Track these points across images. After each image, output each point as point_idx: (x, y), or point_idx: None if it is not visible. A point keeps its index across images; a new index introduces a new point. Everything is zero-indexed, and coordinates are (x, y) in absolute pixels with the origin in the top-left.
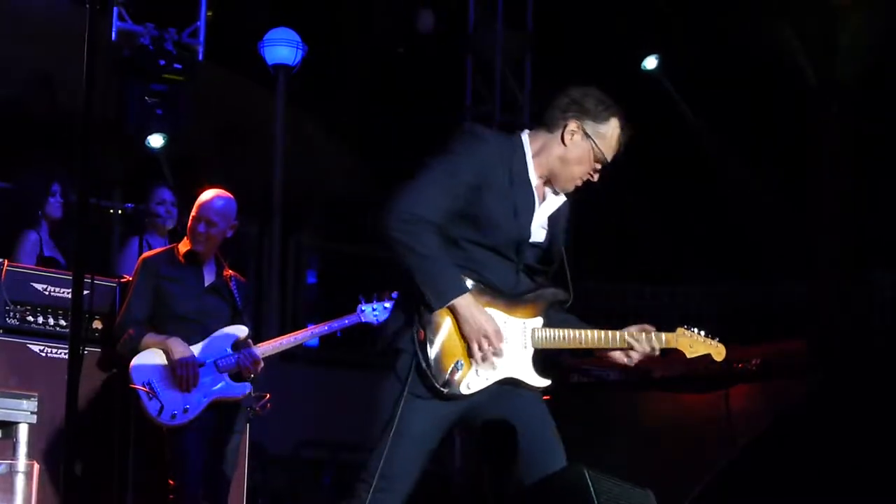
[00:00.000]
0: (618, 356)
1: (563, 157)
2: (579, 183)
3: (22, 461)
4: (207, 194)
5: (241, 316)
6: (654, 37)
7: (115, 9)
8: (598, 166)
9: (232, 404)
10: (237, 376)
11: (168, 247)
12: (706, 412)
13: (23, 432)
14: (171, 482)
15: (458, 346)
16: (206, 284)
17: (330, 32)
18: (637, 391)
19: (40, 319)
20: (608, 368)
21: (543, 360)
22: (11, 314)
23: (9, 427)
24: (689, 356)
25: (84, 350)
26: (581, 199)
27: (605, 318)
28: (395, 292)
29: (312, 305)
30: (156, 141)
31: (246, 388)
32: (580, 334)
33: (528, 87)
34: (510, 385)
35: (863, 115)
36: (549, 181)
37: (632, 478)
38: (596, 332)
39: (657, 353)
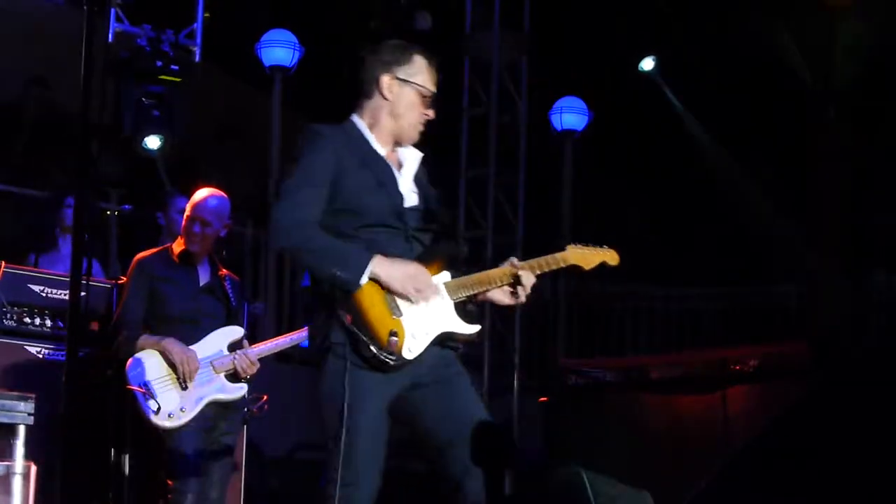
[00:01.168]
0: (504, 298)
1: (394, 112)
2: (421, 127)
3: (19, 463)
4: (201, 194)
5: (237, 316)
6: (651, 38)
7: (112, 10)
8: (430, 105)
9: (228, 405)
10: (233, 377)
11: (162, 247)
12: (703, 413)
13: (20, 434)
14: (168, 483)
15: (386, 316)
16: (200, 284)
17: (327, 34)
18: (634, 392)
19: (37, 321)
20: (603, 370)
21: (464, 312)
22: (8, 316)
23: (6, 429)
24: (587, 268)
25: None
26: (582, 203)
27: (605, 319)
28: None
29: (308, 306)
30: (153, 142)
31: (242, 389)
32: (480, 276)
33: (524, 88)
34: (443, 366)
35: (860, 117)
36: (396, 145)
37: (629, 479)
38: (490, 271)
39: (533, 280)
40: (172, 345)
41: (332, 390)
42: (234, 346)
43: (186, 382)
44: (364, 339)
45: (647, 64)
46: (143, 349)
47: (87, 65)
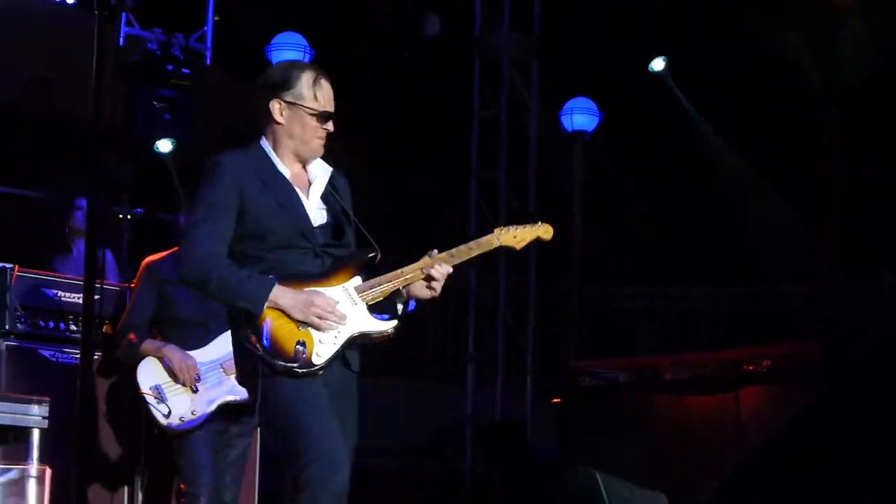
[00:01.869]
0: (422, 291)
1: (290, 134)
2: (320, 142)
3: (34, 466)
4: None
5: None
6: (661, 39)
7: (122, 14)
8: (326, 120)
9: (239, 406)
10: None
11: (172, 250)
12: (716, 414)
13: (34, 437)
14: (181, 486)
15: (291, 330)
16: None
17: (336, 37)
18: (646, 393)
19: (51, 324)
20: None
21: (382, 310)
22: (22, 319)
23: (20, 432)
24: (519, 248)
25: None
26: (593, 203)
27: (617, 320)
28: None
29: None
30: (164, 146)
31: None
32: (391, 274)
33: (535, 89)
34: (346, 386)
35: (863, 117)
36: (303, 163)
37: (643, 480)
38: (401, 268)
39: (449, 271)
40: (172, 352)
41: (268, 409)
42: None
43: (196, 386)
44: (268, 356)
45: (658, 64)
46: (146, 354)
47: (98, 70)
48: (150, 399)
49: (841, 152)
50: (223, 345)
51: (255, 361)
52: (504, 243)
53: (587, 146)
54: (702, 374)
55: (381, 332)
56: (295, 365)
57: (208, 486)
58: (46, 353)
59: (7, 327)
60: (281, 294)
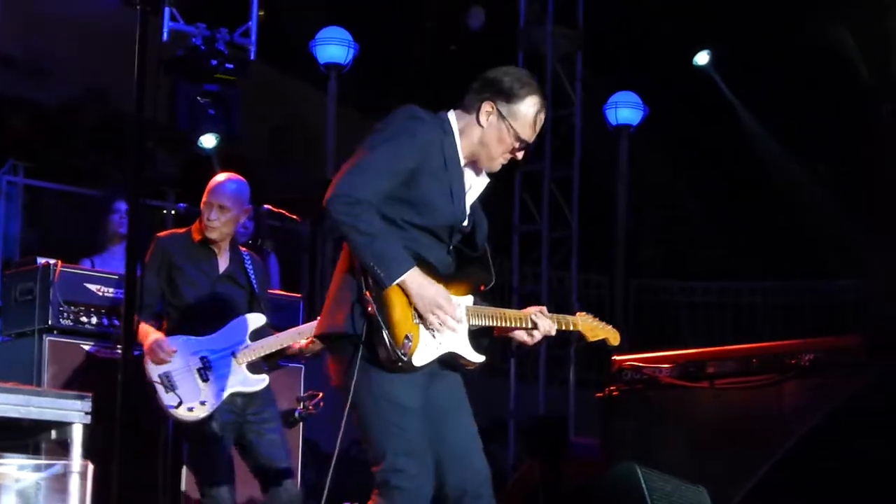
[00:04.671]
0: (522, 335)
1: (482, 139)
2: (503, 161)
3: (76, 461)
4: (219, 178)
5: (259, 302)
6: (705, 32)
7: (166, 9)
8: (522, 149)
9: (254, 396)
10: (255, 367)
11: (185, 229)
12: (759, 408)
13: (77, 432)
14: (200, 482)
15: (408, 319)
16: (220, 272)
17: (381, 31)
18: (690, 388)
19: (94, 320)
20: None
21: (476, 340)
22: (65, 314)
23: (63, 427)
24: (590, 339)
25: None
26: (635, 199)
27: (661, 313)
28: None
29: None
30: (208, 141)
31: (264, 381)
32: (502, 312)
33: (579, 83)
34: (441, 366)
35: None
36: (472, 162)
37: (684, 474)
38: (512, 311)
39: (553, 333)
40: (146, 336)
41: (357, 395)
42: (256, 335)
43: (207, 374)
44: (382, 332)
45: (702, 58)
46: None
47: (140, 64)
48: (159, 387)
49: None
50: (234, 332)
51: (357, 346)
52: (581, 329)
53: (632, 140)
54: (745, 368)
55: (471, 362)
56: (402, 356)
57: (228, 489)
58: (89, 348)
59: (50, 322)
60: (413, 278)
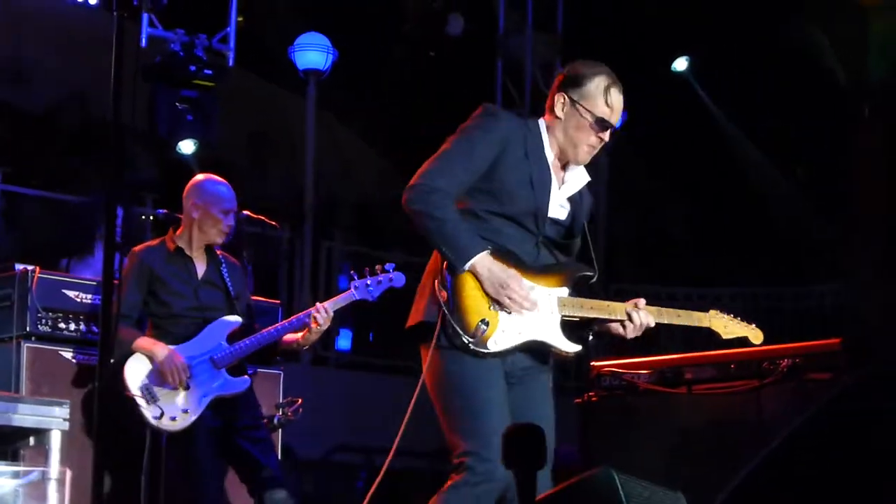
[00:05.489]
0: (618, 328)
1: (564, 130)
2: (592, 150)
3: (55, 468)
4: (215, 184)
5: (236, 305)
6: (684, 39)
7: (144, 15)
8: (603, 129)
9: (235, 400)
10: (236, 370)
11: (158, 240)
12: (737, 413)
13: (55, 439)
14: (188, 488)
15: (482, 305)
16: (199, 277)
17: (360, 37)
18: (668, 393)
19: (72, 326)
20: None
21: (572, 330)
22: (43, 321)
23: (41, 434)
24: (724, 336)
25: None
26: (614, 205)
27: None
28: (389, 264)
29: (344, 309)
30: (187, 147)
31: (246, 383)
32: (597, 304)
33: None
34: (535, 374)
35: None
36: (566, 163)
37: (663, 480)
38: (610, 303)
39: (652, 325)
40: (161, 352)
41: (438, 380)
42: (233, 337)
43: (187, 381)
44: (451, 319)
45: (680, 64)
46: (135, 350)
47: (117, 71)
48: (140, 400)
49: (877, 150)
50: (212, 337)
51: (432, 329)
52: (713, 327)
53: (611, 146)
54: (723, 374)
55: (563, 351)
56: (471, 340)
57: (217, 487)
58: (67, 355)
59: (28, 329)
60: (483, 261)
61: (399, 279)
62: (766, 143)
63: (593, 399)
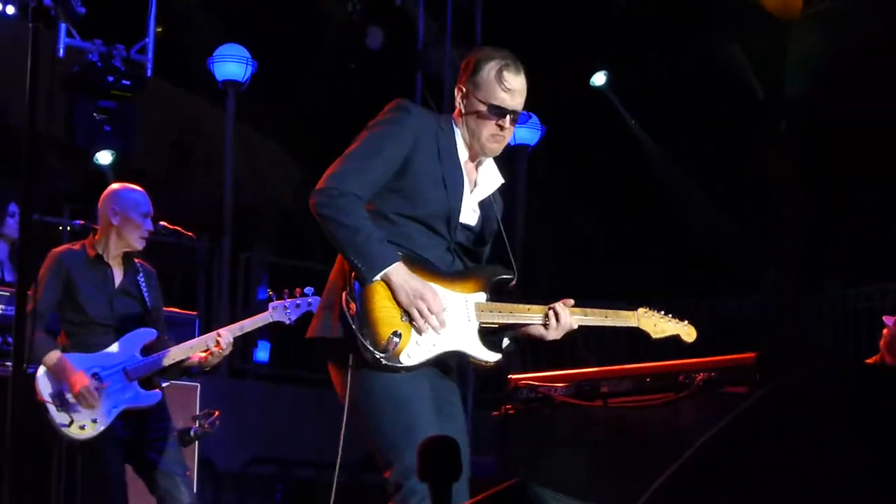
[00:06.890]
0: (539, 330)
1: (465, 123)
2: (495, 140)
3: None
4: (133, 193)
5: (151, 317)
6: (603, 53)
7: (62, 25)
8: (501, 116)
9: (146, 412)
10: (147, 383)
11: (78, 244)
12: (654, 426)
13: None
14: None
15: (394, 317)
16: (116, 285)
17: (280, 48)
18: (585, 406)
19: None
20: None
21: (490, 338)
22: None
23: None
24: (654, 336)
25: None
26: (532, 219)
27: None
28: (308, 288)
29: None
30: (104, 157)
31: (157, 396)
32: (517, 307)
33: None
34: (442, 367)
35: (813, 130)
36: (479, 163)
37: (580, 493)
38: (530, 305)
39: (575, 327)
40: (69, 372)
41: (354, 397)
42: (148, 350)
43: (99, 390)
44: (360, 334)
45: (599, 79)
46: (48, 363)
47: (32, 80)
48: (51, 406)
49: (794, 164)
50: (127, 347)
51: (347, 349)
52: (642, 327)
53: (529, 160)
54: (639, 387)
55: (482, 360)
56: (382, 355)
57: (125, 500)
58: None
59: None
60: (397, 271)
61: (317, 303)
62: (684, 157)
63: (511, 412)
